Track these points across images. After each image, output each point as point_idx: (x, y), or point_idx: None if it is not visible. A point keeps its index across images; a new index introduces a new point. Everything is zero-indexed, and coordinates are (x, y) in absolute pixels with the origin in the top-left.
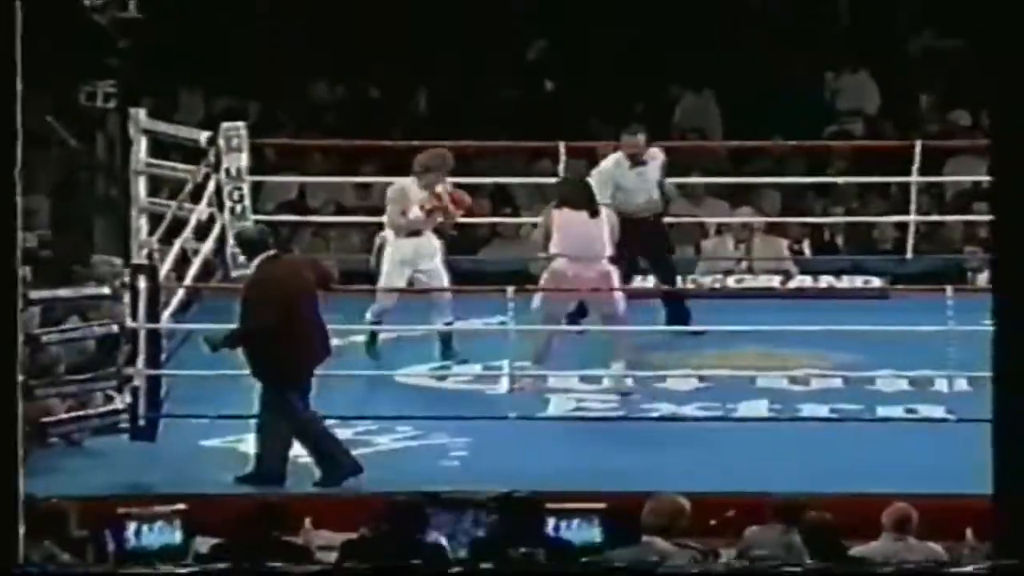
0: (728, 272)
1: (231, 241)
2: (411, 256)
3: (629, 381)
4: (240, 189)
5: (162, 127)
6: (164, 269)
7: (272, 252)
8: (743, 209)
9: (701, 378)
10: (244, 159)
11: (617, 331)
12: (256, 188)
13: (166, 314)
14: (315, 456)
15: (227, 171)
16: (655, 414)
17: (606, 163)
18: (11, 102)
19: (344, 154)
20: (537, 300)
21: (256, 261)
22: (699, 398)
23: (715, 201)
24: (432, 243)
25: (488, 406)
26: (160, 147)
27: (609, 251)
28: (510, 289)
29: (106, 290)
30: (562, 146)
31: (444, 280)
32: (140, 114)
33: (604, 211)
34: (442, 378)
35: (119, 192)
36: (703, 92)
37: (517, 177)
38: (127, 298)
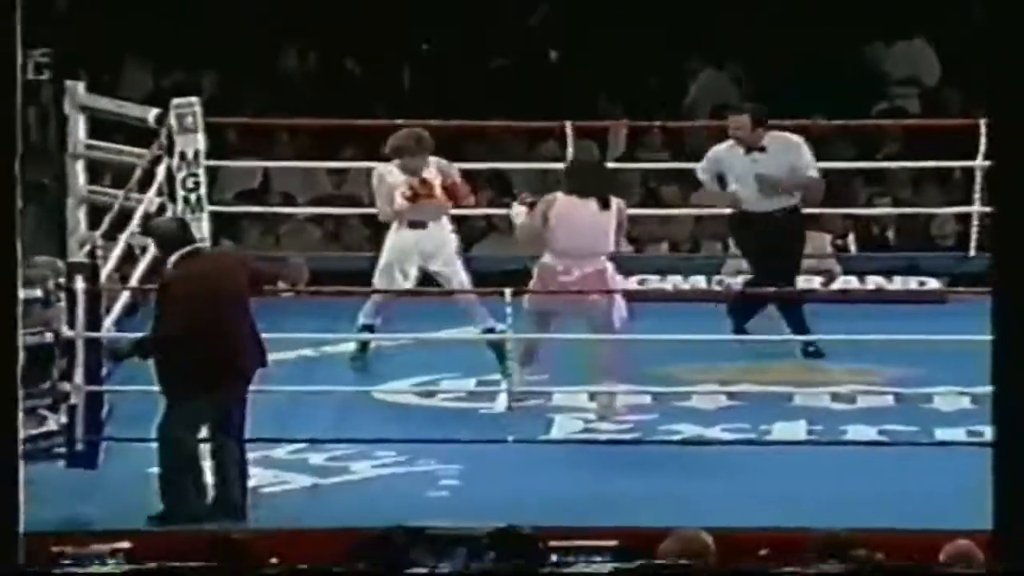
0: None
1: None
2: (411, 250)
3: (645, 398)
4: (195, 176)
5: (104, 103)
6: (107, 268)
7: (192, 247)
8: None
9: (729, 395)
10: (200, 141)
11: (614, 340)
12: (213, 175)
13: (108, 321)
14: (170, 484)
15: (180, 155)
16: (676, 437)
17: (718, 147)
18: (11, 102)
19: (317, 136)
20: (527, 301)
21: (173, 257)
22: (727, 418)
23: None
24: (441, 235)
25: (483, 427)
26: (102, 127)
27: (611, 248)
28: (508, 291)
29: (38, 293)
30: (569, 126)
31: (460, 280)
32: (78, 88)
33: (616, 203)
34: (429, 395)
35: (53, 179)
36: (726, 66)
37: (517, 162)
38: (63, 302)
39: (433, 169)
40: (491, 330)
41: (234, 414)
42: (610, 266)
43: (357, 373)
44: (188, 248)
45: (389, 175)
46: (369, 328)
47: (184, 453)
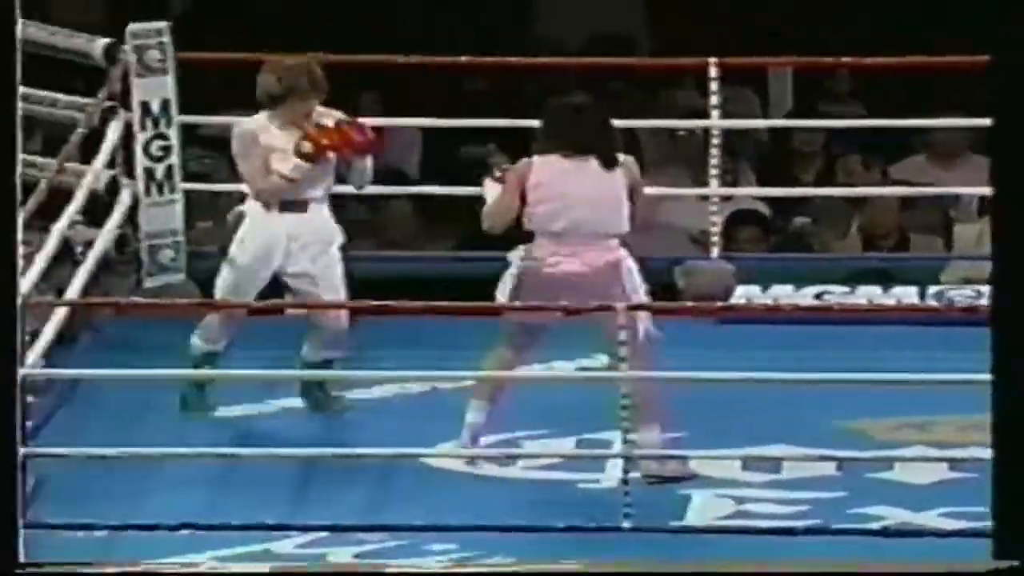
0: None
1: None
2: (283, 242)
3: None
4: (164, 138)
5: (32, 32)
6: (32, 273)
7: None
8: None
9: (952, 463)
10: (169, 86)
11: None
12: (188, 134)
13: (34, 353)
14: None
15: (142, 107)
16: (873, 525)
17: None
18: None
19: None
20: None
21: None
22: (946, 498)
23: (973, 159)
24: (323, 223)
25: (587, 509)
26: (26, 66)
27: (623, 227)
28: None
29: None
30: (714, 65)
31: (334, 289)
32: None
33: (624, 161)
34: (507, 461)
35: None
36: None
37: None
38: None
39: (328, 121)
40: (329, 362)
41: None
42: (624, 254)
43: (325, 429)
44: None
45: (264, 132)
46: (212, 356)
47: None
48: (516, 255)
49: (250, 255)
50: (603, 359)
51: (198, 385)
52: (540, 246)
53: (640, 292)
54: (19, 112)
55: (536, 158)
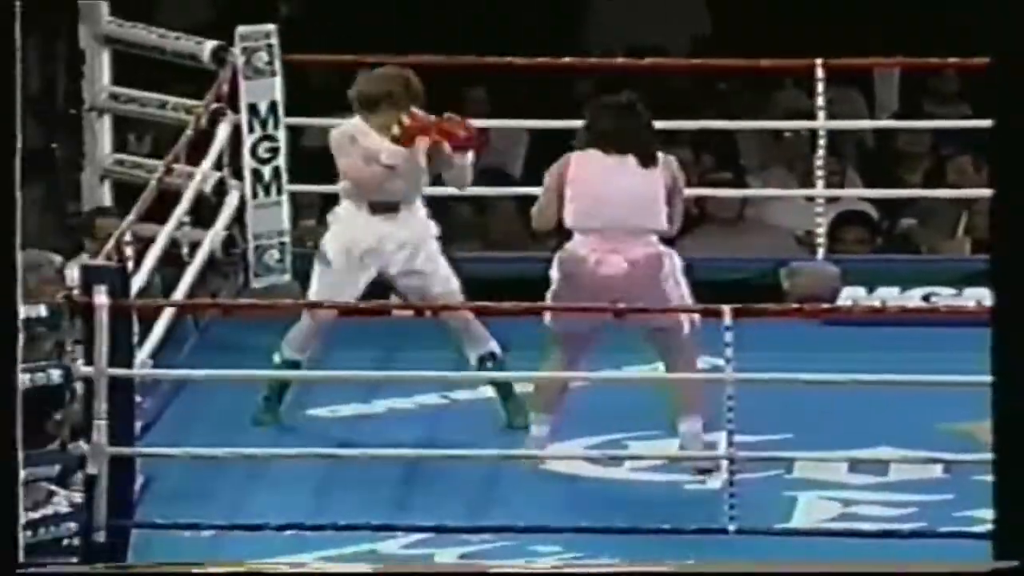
0: None
1: (252, 226)
2: (375, 245)
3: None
4: (272, 139)
5: (137, 33)
6: (141, 274)
7: None
8: None
9: None
10: (277, 88)
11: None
12: (295, 136)
13: (143, 353)
14: None
15: (250, 109)
16: (978, 528)
17: None
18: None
19: (449, 75)
20: (549, 316)
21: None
22: None
23: None
24: (415, 222)
25: (692, 511)
26: (134, 68)
27: (663, 224)
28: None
29: (42, 311)
30: (820, 66)
31: (443, 281)
32: (100, 10)
33: (664, 160)
34: (613, 462)
35: (64, 143)
36: None
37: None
38: (75, 324)
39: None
40: (492, 357)
41: None
42: (665, 250)
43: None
44: None
45: (361, 135)
46: (295, 365)
47: None
48: (558, 255)
49: (339, 257)
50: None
51: (278, 392)
52: (580, 243)
53: (684, 288)
54: (18, 114)
55: (575, 154)
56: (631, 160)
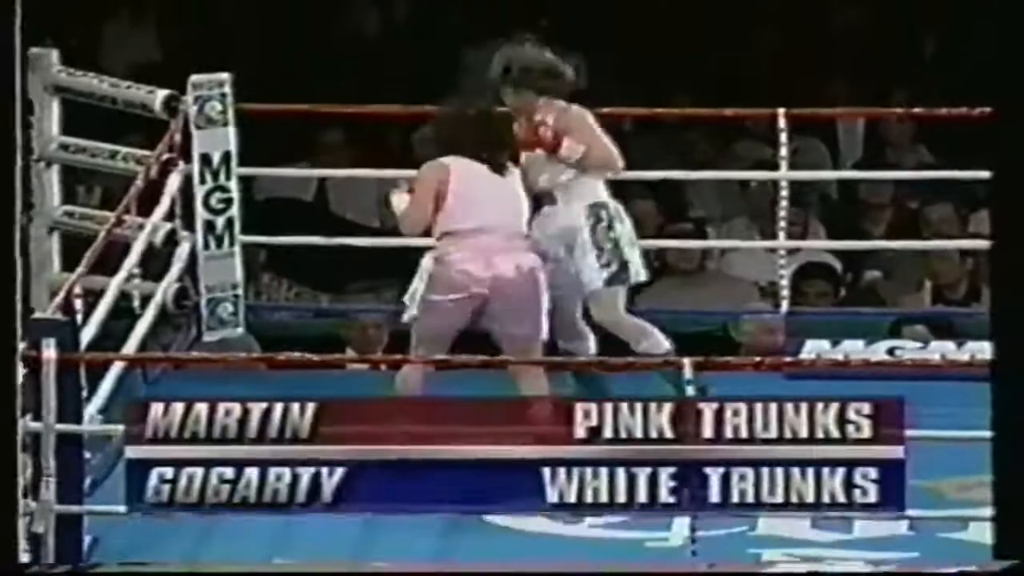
0: None
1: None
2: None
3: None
4: (224, 190)
5: (87, 82)
6: (90, 328)
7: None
8: None
9: None
10: (231, 138)
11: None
12: (246, 186)
13: (91, 408)
14: None
15: (202, 159)
16: None
17: None
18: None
19: (402, 125)
20: (414, 309)
21: None
22: None
23: None
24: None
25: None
26: (83, 117)
27: (525, 231)
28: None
29: None
30: (782, 116)
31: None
32: (50, 59)
33: (515, 170)
34: (572, 519)
35: (11, 194)
36: None
37: (701, 169)
38: (22, 378)
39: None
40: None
41: None
42: (535, 259)
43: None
44: None
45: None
46: None
47: None
48: (431, 256)
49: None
50: None
51: None
52: (449, 244)
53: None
54: (19, 117)
55: (449, 159)
56: (485, 169)
